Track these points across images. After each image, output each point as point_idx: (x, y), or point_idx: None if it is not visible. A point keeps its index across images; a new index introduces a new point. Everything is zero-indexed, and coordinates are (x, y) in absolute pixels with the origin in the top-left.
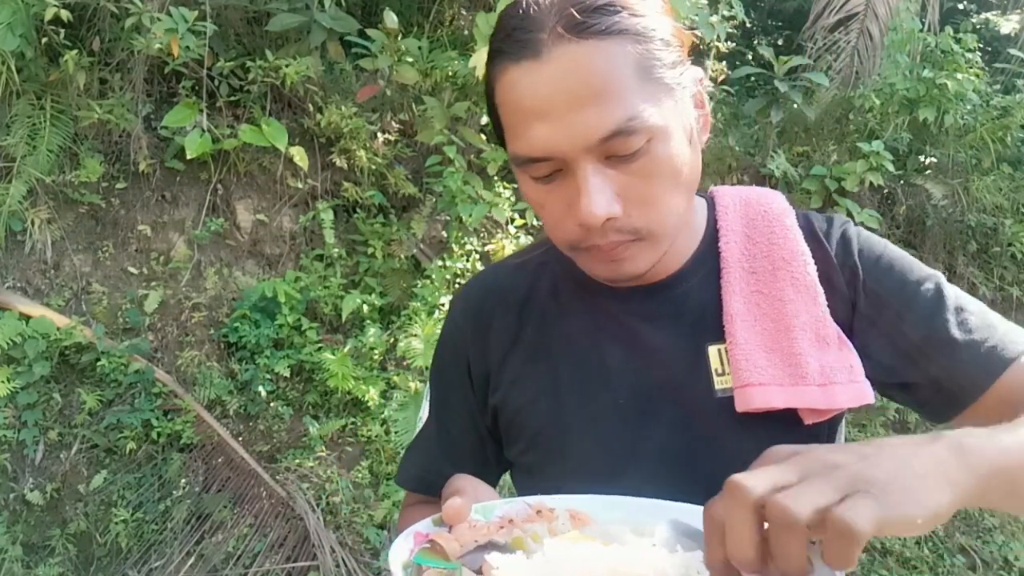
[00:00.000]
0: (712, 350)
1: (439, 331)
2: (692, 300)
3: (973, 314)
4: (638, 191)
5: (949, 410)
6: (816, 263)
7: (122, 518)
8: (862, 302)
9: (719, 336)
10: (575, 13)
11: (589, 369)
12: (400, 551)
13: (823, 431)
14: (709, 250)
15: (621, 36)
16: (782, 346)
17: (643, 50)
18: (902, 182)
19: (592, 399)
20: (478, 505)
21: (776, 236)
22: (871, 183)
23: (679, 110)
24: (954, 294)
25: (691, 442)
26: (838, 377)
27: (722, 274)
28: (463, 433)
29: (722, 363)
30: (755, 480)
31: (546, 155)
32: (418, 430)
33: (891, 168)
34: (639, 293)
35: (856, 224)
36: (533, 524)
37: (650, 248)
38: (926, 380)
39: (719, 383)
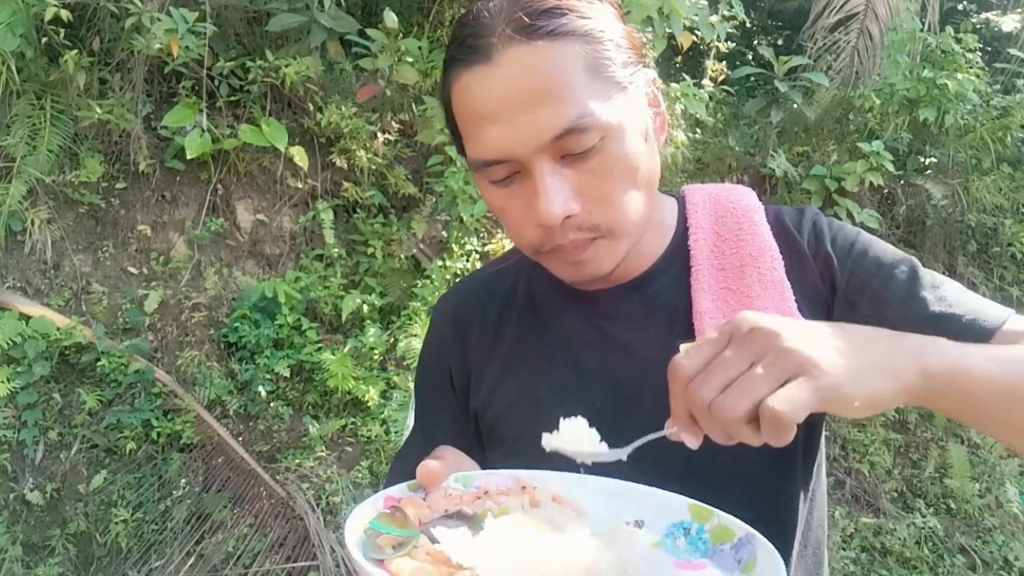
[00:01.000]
0: (683, 348)
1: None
2: (663, 299)
3: (949, 291)
4: (595, 188)
5: None
6: (786, 257)
7: (122, 518)
8: (840, 288)
9: (690, 334)
10: (524, 16)
11: (565, 373)
12: (362, 514)
13: (799, 430)
14: (679, 248)
15: (570, 37)
16: None
17: (592, 50)
18: (902, 182)
19: (568, 403)
20: (459, 474)
21: (744, 232)
22: (871, 183)
23: (633, 108)
24: (928, 274)
25: (668, 446)
26: None
27: (691, 272)
28: (449, 438)
29: None
30: (693, 364)
31: (501, 157)
32: (404, 438)
33: (891, 168)
34: (611, 294)
35: (825, 215)
36: (509, 498)
37: (612, 246)
38: None
39: None
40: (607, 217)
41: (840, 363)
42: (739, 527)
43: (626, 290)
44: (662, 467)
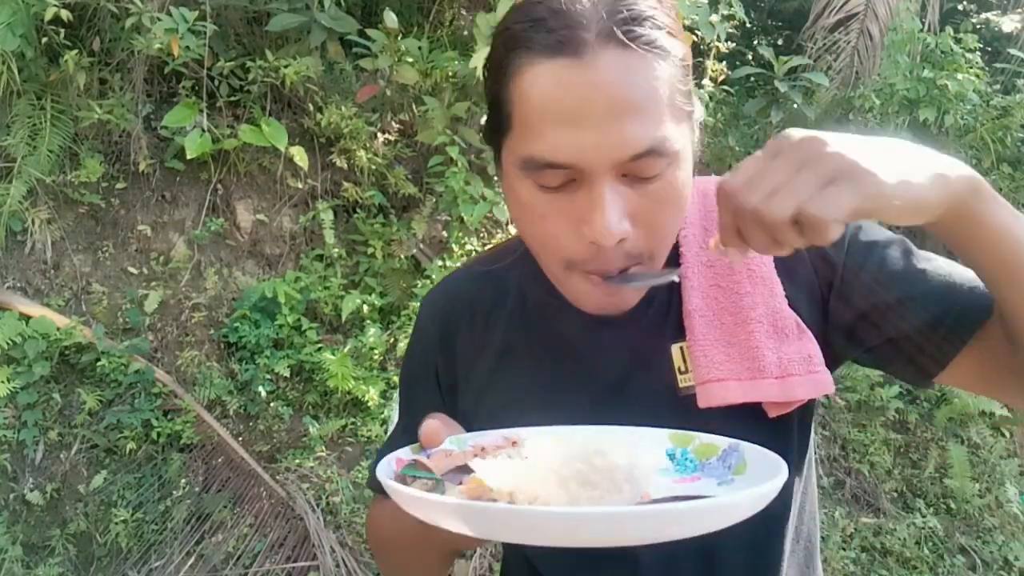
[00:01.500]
0: (675, 348)
1: None
2: (656, 299)
3: (943, 263)
4: (649, 215)
5: (944, 353)
6: None
7: (122, 518)
8: (837, 275)
9: (680, 334)
10: (626, 19)
11: (556, 375)
12: (386, 468)
13: (792, 423)
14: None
15: (662, 53)
16: (739, 340)
17: (674, 73)
18: None
19: (559, 405)
20: (451, 436)
21: None
22: None
23: (690, 138)
24: (920, 251)
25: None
26: (796, 369)
27: (681, 269)
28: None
29: (684, 361)
30: (741, 176)
31: (567, 162)
32: (389, 433)
33: None
34: None
35: None
36: (505, 450)
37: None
38: (916, 328)
39: (682, 381)
40: (650, 245)
41: (886, 164)
42: (721, 441)
43: None
44: None
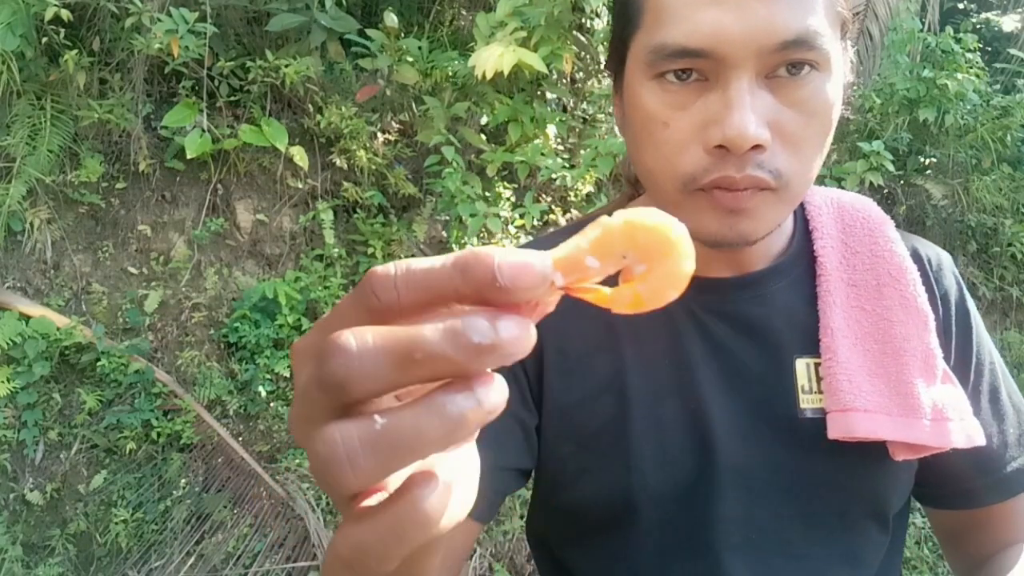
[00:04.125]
0: (800, 364)
1: None
2: (780, 303)
3: (1021, 413)
4: (791, 126)
5: (952, 505)
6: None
7: (122, 518)
8: (953, 356)
9: (809, 349)
10: None
11: (660, 367)
12: None
13: (908, 471)
14: (801, 251)
15: None
16: (888, 371)
17: None
18: (902, 182)
19: (661, 401)
20: None
21: (880, 248)
22: (871, 183)
23: (843, 59)
24: (1007, 383)
25: (767, 462)
26: (950, 414)
27: (819, 280)
28: (503, 415)
29: (810, 380)
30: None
31: (708, 47)
32: None
33: (891, 168)
34: (720, 286)
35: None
36: None
37: (777, 206)
38: (950, 469)
39: (805, 401)
40: (790, 166)
41: None
42: None
43: (738, 284)
44: (758, 505)
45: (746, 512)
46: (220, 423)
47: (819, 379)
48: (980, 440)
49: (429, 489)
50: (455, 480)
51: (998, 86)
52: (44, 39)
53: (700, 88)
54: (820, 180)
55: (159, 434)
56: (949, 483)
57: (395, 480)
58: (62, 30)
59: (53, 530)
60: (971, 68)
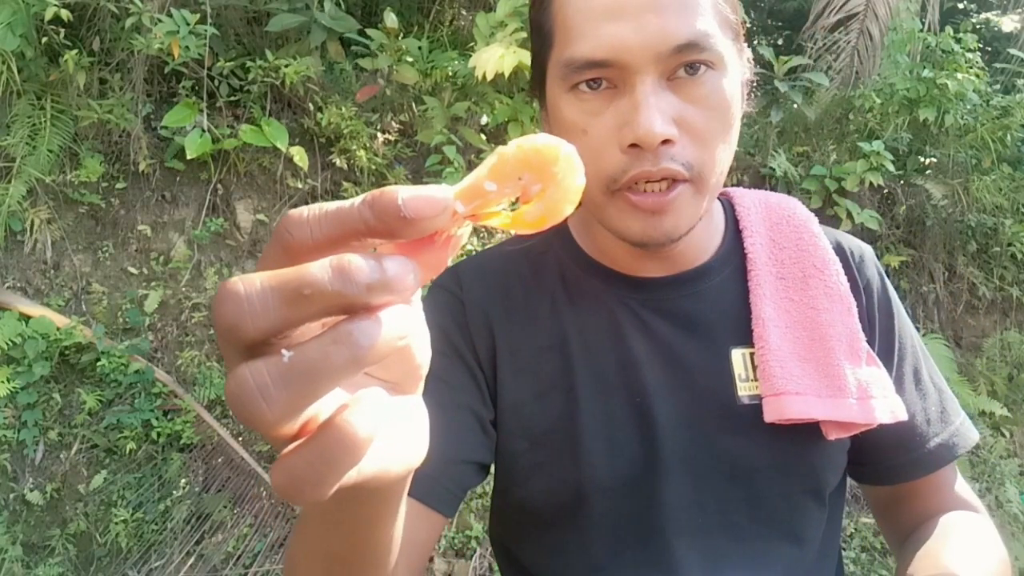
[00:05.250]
0: (736, 354)
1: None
2: (715, 298)
3: (941, 392)
4: (694, 120)
5: (882, 481)
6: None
7: (122, 518)
8: (876, 341)
9: (743, 340)
10: None
11: (607, 364)
12: None
13: (844, 447)
14: (732, 249)
15: None
16: (816, 356)
17: None
18: (902, 182)
19: (608, 397)
20: None
21: (805, 243)
22: (871, 183)
23: (739, 59)
24: (927, 364)
25: (710, 449)
26: (874, 391)
27: (749, 275)
28: (461, 409)
29: (746, 368)
30: None
31: (611, 57)
32: None
33: (891, 168)
34: (659, 284)
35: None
36: None
37: (694, 199)
38: (879, 447)
39: (742, 389)
40: (700, 157)
41: None
42: None
43: (675, 281)
44: (705, 490)
45: (692, 498)
46: (220, 423)
47: (754, 367)
48: (903, 415)
49: (353, 412)
50: (389, 414)
51: (998, 86)
52: (44, 39)
53: (611, 95)
54: (820, 180)
55: (159, 434)
56: (879, 460)
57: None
58: (62, 30)
59: (53, 530)
60: (971, 68)
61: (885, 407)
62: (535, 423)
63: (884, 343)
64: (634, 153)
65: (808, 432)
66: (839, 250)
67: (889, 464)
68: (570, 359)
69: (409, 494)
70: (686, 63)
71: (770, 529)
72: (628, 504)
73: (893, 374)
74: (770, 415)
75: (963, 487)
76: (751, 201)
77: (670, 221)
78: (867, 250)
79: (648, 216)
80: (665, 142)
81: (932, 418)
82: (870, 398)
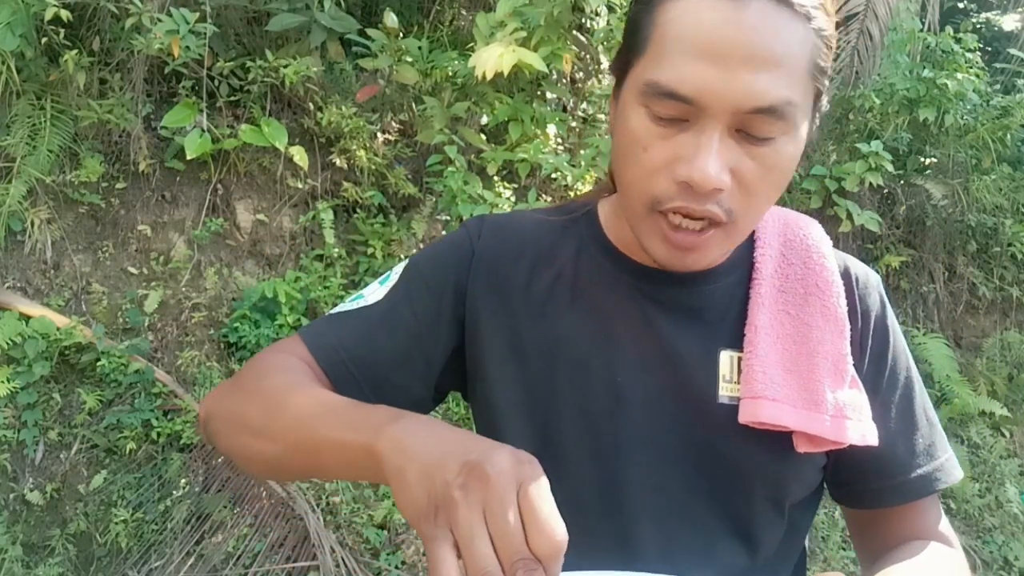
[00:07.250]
0: (724, 355)
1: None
2: (716, 300)
3: (932, 426)
4: (750, 177)
5: (861, 504)
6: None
7: (122, 518)
8: (866, 367)
9: (734, 343)
10: None
11: (595, 342)
12: None
13: (816, 464)
14: (743, 257)
15: (809, 23)
16: (801, 369)
17: (816, 47)
18: (902, 182)
19: (588, 368)
20: None
21: (812, 263)
22: (871, 183)
23: (809, 122)
24: (922, 398)
25: (680, 438)
26: (850, 413)
27: (752, 283)
28: (411, 339)
29: (732, 370)
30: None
31: (692, 96)
32: (358, 304)
33: (891, 168)
34: (667, 277)
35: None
36: None
37: (724, 241)
38: (861, 470)
39: (724, 389)
40: (744, 208)
41: None
42: None
43: (681, 279)
44: (680, 487)
45: (657, 481)
46: None
47: (739, 372)
48: (873, 440)
49: None
50: None
51: (998, 86)
52: (44, 39)
53: (680, 126)
54: (820, 180)
55: (159, 434)
56: (858, 482)
57: None
58: (62, 30)
59: (53, 530)
60: (971, 68)
61: (857, 429)
62: (518, 385)
63: (873, 368)
64: (683, 188)
65: (779, 441)
66: (845, 275)
67: (868, 488)
68: (557, 330)
69: (319, 362)
70: (759, 123)
71: (725, 524)
72: (593, 475)
73: (879, 400)
74: (744, 416)
75: (943, 523)
76: (771, 215)
77: (695, 257)
78: (873, 278)
79: (677, 249)
80: (717, 189)
81: (918, 450)
82: (845, 418)
